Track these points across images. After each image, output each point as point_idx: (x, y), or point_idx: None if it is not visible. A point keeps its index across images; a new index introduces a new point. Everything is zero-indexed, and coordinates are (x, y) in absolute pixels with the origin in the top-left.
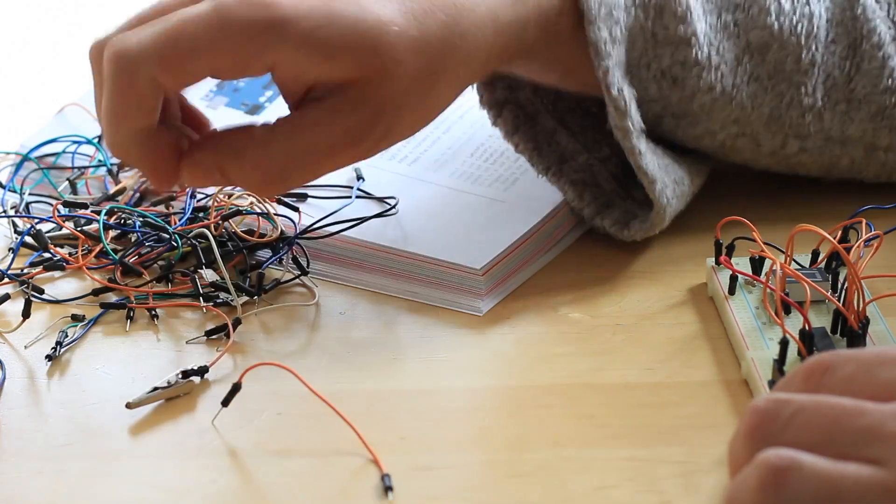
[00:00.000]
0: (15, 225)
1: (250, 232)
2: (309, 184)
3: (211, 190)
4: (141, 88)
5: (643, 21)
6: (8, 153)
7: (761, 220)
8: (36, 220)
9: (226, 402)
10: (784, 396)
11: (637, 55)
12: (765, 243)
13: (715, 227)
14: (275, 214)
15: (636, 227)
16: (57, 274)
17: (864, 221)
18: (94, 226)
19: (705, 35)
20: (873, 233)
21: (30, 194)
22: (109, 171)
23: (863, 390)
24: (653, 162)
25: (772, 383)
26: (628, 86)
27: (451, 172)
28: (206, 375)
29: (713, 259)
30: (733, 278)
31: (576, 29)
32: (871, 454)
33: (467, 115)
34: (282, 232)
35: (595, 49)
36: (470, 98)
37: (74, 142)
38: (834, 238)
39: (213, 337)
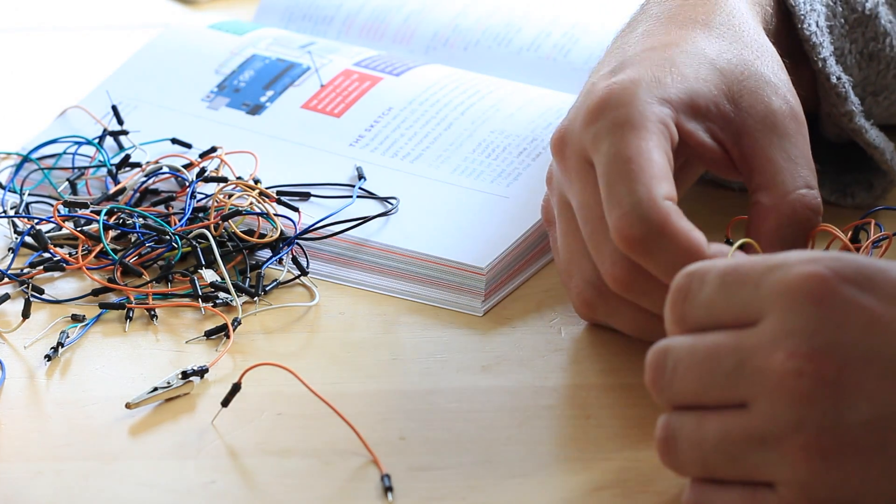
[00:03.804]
0: (15, 225)
1: (250, 232)
2: (310, 182)
3: (211, 190)
4: None
5: (833, 7)
6: (9, 154)
7: None
8: (36, 221)
9: (225, 403)
10: (664, 344)
11: (838, 44)
12: None
13: (725, 226)
14: (275, 215)
15: (862, 195)
16: (57, 274)
17: (872, 222)
18: (94, 226)
19: (882, 3)
20: (882, 233)
21: (30, 195)
22: (109, 172)
23: (724, 315)
24: (877, 135)
25: None
26: (842, 72)
27: (453, 169)
28: (205, 376)
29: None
30: None
31: (782, 30)
32: (739, 396)
33: (469, 111)
34: (282, 232)
35: (809, 43)
36: (471, 94)
37: (75, 142)
38: (846, 238)
39: (213, 337)
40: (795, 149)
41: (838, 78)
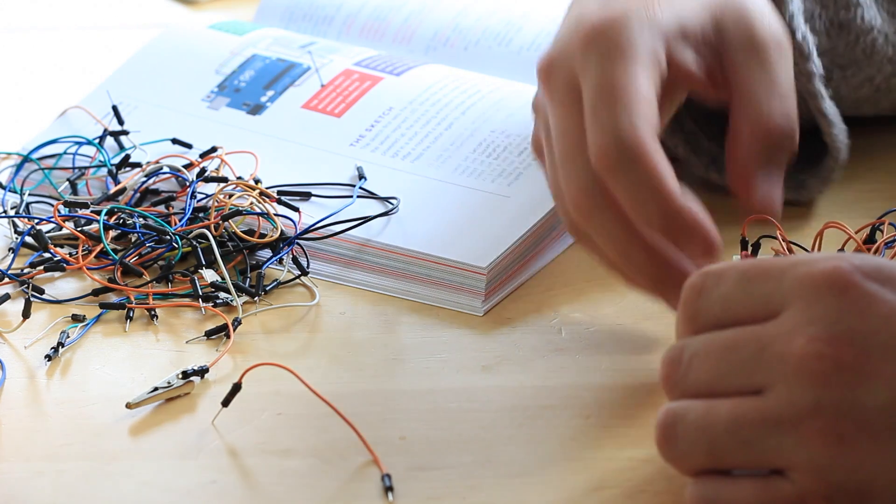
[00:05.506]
0: (15, 225)
1: (250, 232)
2: (310, 182)
3: (211, 189)
4: None
5: None
6: (9, 154)
7: (788, 219)
8: (36, 221)
9: (226, 403)
10: (682, 342)
11: (808, 6)
12: (791, 242)
13: (741, 224)
14: (275, 214)
15: (811, 184)
16: (57, 274)
17: (887, 222)
18: (95, 226)
19: None
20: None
21: (30, 195)
22: (110, 172)
23: (741, 310)
24: (831, 106)
25: None
26: (808, 31)
27: (453, 168)
28: (206, 375)
29: (738, 256)
30: None
31: None
32: (756, 383)
33: (469, 110)
34: (282, 232)
35: None
36: (472, 94)
37: (76, 143)
38: (860, 238)
39: (213, 337)
40: (777, 75)
41: (803, 36)
